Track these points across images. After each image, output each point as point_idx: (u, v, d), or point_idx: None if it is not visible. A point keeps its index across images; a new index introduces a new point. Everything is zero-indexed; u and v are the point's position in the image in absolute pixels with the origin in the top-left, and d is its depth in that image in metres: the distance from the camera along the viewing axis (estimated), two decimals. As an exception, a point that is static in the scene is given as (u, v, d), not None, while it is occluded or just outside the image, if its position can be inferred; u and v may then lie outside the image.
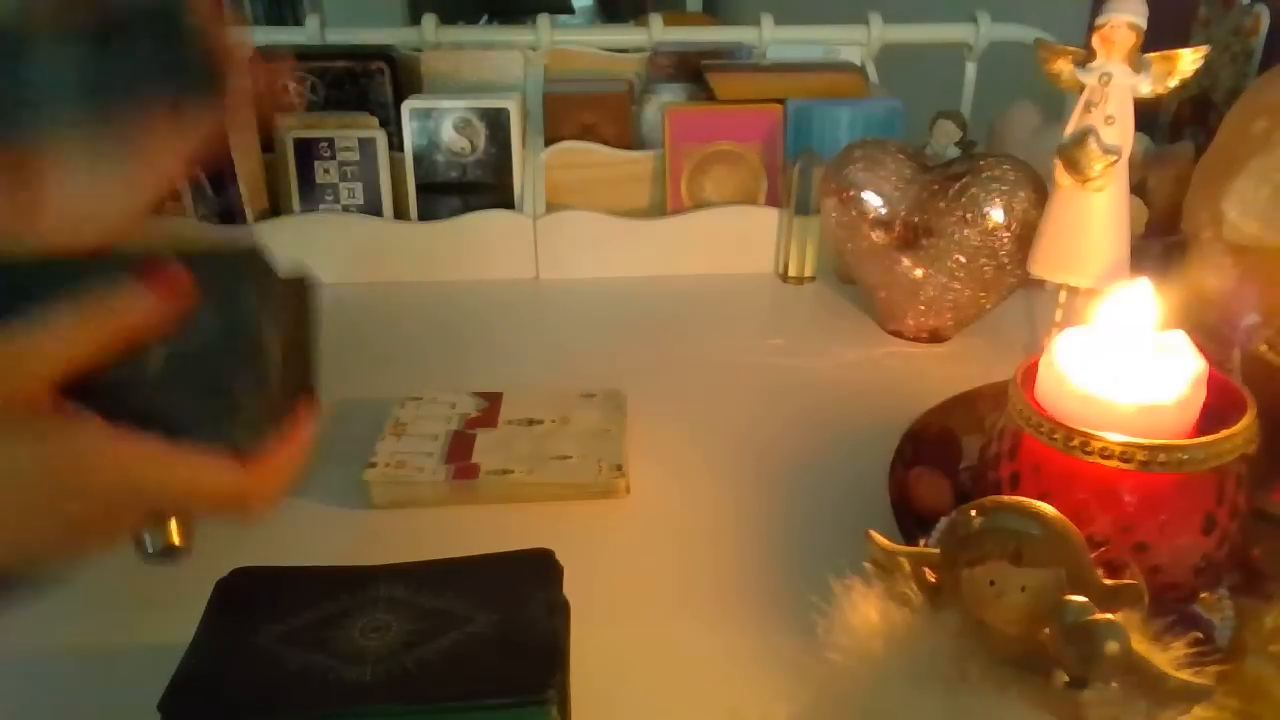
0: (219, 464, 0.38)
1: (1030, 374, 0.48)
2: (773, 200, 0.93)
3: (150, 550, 0.40)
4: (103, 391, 0.36)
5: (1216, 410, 0.45)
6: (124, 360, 0.36)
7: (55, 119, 0.33)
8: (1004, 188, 0.71)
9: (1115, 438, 0.42)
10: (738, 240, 0.92)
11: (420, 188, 0.91)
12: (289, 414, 0.39)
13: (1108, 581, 0.33)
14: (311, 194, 0.90)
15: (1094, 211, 0.66)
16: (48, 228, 0.34)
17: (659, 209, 0.94)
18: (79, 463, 0.34)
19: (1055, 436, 0.44)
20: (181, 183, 0.86)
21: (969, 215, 0.72)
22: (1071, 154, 0.64)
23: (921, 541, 0.42)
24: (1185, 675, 0.31)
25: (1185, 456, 0.42)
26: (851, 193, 0.77)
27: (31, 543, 0.35)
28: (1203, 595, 0.45)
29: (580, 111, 0.94)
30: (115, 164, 0.35)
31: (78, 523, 0.36)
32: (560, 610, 0.40)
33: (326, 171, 0.90)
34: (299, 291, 0.39)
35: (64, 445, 0.34)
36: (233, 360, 0.38)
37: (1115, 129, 0.63)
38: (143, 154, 0.35)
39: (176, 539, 0.41)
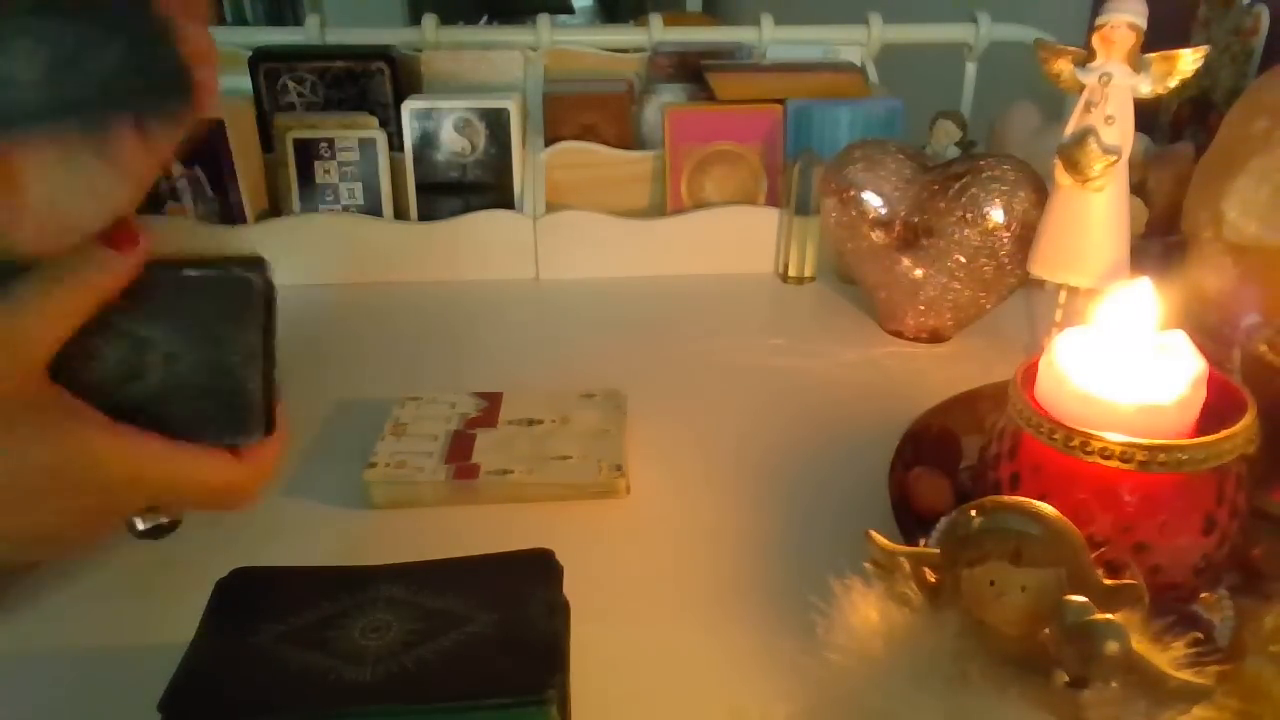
0: (216, 459, 0.39)
1: (1030, 374, 0.48)
2: (773, 200, 0.93)
3: (141, 528, 0.41)
4: (106, 393, 0.36)
5: (1216, 410, 0.45)
6: (128, 362, 0.36)
7: (30, 122, 0.33)
8: (1004, 188, 0.71)
9: (1115, 438, 0.42)
10: (738, 240, 0.92)
11: (420, 188, 0.91)
12: (273, 410, 0.40)
13: (1108, 581, 0.33)
14: (311, 194, 0.90)
15: (1094, 211, 0.66)
16: (30, 233, 0.34)
17: (659, 209, 0.94)
18: (87, 460, 0.35)
19: (1055, 436, 0.44)
20: (176, 177, 0.87)
21: (969, 215, 0.72)
22: (1071, 154, 0.64)
23: (921, 541, 0.42)
24: (1185, 675, 0.31)
25: (1185, 456, 0.42)
26: (851, 193, 0.77)
27: (36, 534, 0.36)
28: (1203, 595, 0.45)
29: (580, 111, 0.94)
30: (93, 173, 0.34)
31: (80, 515, 0.36)
32: (560, 610, 0.40)
33: (326, 171, 0.90)
34: (269, 293, 0.39)
35: (74, 443, 0.34)
36: (235, 364, 0.38)
37: (1115, 129, 0.63)
38: (118, 162, 0.35)
39: (164, 516, 0.41)
